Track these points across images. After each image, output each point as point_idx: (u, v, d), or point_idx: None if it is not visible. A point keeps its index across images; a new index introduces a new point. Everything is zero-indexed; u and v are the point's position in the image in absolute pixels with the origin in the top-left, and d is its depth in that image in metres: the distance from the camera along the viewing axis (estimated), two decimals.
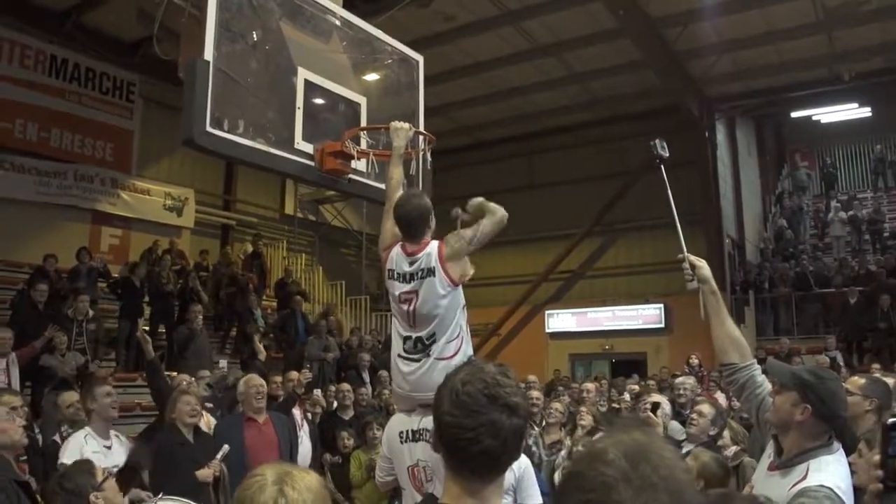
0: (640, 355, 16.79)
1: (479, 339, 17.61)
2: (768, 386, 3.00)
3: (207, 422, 6.18)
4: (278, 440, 5.92)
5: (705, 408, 4.99)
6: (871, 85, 17.33)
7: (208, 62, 4.32)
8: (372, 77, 5.84)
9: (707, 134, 17.41)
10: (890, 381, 3.93)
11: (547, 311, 18.74)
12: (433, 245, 3.80)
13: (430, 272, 3.74)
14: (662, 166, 3.89)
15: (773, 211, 21.29)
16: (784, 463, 2.67)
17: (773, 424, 2.81)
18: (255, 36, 4.99)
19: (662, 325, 17.32)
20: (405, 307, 3.82)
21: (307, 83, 5.05)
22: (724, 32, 14.95)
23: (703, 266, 3.21)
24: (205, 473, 5.21)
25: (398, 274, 3.83)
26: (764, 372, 3.04)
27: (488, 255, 19.67)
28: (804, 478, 2.54)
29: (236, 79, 4.65)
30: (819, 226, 20.29)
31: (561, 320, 18.64)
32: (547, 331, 18.55)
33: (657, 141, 3.94)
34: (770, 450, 2.84)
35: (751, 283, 16.95)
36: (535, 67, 16.20)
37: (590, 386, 8.41)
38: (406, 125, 4.51)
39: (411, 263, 3.80)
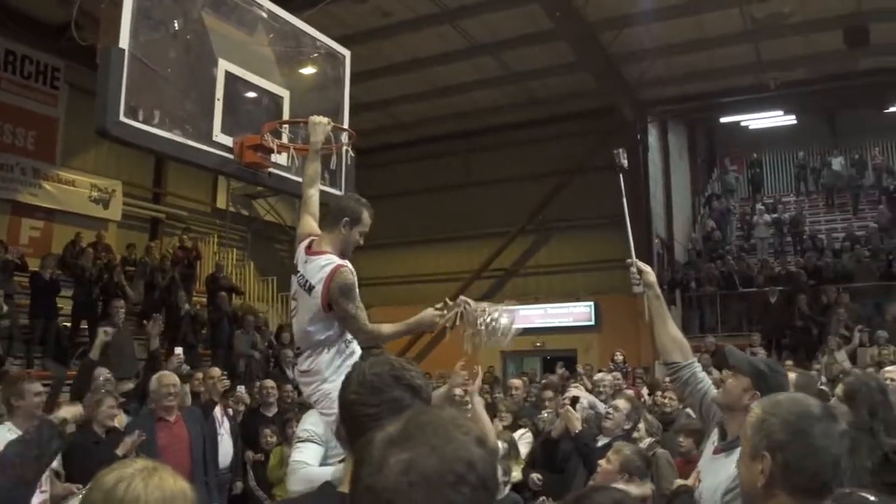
0: (570, 352, 16.98)
1: (412, 336, 17.61)
2: (709, 381, 3.20)
3: (120, 420, 6.06)
4: (189, 438, 5.83)
5: (621, 402, 5.13)
6: (795, 94, 17.95)
7: (123, 50, 4.23)
8: (296, 71, 5.77)
9: (639, 136, 17.76)
10: (791, 375, 4.07)
11: None
12: (332, 264, 3.58)
13: (311, 288, 3.57)
14: (622, 175, 3.98)
15: (702, 212, 21.80)
16: (728, 444, 2.82)
17: (720, 405, 2.97)
18: (175, 25, 4.90)
19: (593, 323, 17.60)
20: (292, 305, 3.79)
21: (228, 75, 4.98)
22: (658, 38, 15.25)
23: (649, 272, 3.40)
24: (125, 445, 5.15)
25: (295, 269, 3.75)
26: (718, 364, 3.17)
27: (421, 252, 19.79)
28: None
29: (154, 68, 4.56)
30: (745, 227, 20.85)
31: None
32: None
33: (620, 151, 4.09)
34: (715, 436, 3.00)
35: (678, 282, 17.33)
36: (472, 66, 16.27)
37: (517, 382, 8.50)
38: (324, 120, 4.45)
39: (305, 263, 3.67)
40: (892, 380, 5.64)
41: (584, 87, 16.41)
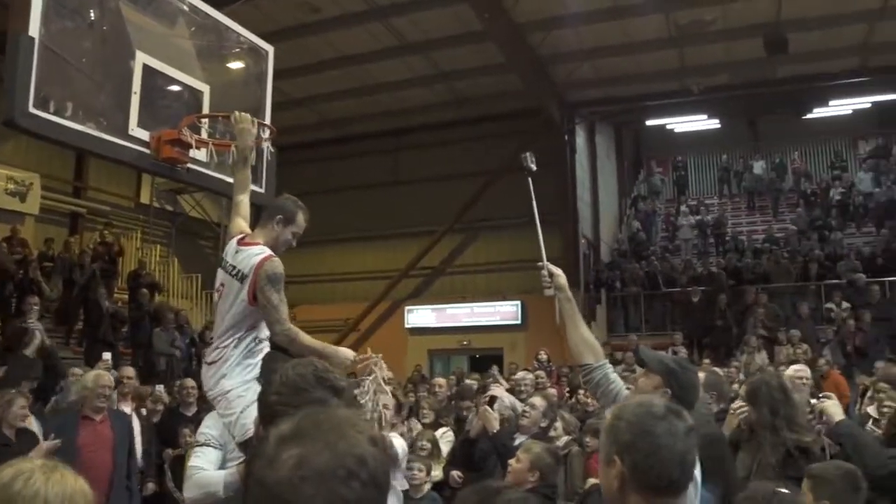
0: (497, 350, 17.11)
1: (339, 334, 17.55)
2: (620, 382, 3.24)
3: (29, 421, 5.89)
4: (114, 439, 5.72)
5: (537, 400, 5.20)
6: (718, 99, 18.46)
7: (33, 38, 4.11)
8: (218, 65, 5.69)
9: (567, 137, 18.02)
10: (700, 375, 4.19)
11: (407, 307, 18.84)
12: (262, 253, 3.59)
13: (243, 278, 3.55)
14: (530, 178, 4.02)
15: (629, 213, 22.18)
16: None
17: None
18: (91, 15, 4.79)
19: (519, 322, 17.72)
20: (216, 298, 3.75)
21: (146, 68, 4.87)
22: (586, 41, 15.52)
23: (560, 275, 3.40)
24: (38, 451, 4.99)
25: (223, 262, 3.72)
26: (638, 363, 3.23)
27: (348, 250, 19.67)
28: None
29: (67, 59, 4.45)
30: (670, 229, 21.30)
31: (420, 316, 18.79)
32: (406, 326, 18.65)
33: (528, 154, 4.11)
34: None
35: (603, 282, 17.62)
36: (402, 64, 16.27)
37: (441, 381, 8.54)
38: (249, 123, 4.36)
39: (236, 253, 3.65)
40: (800, 378, 5.86)
41: (513, 88, 16.53)
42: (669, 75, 17.22)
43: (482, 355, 17.06)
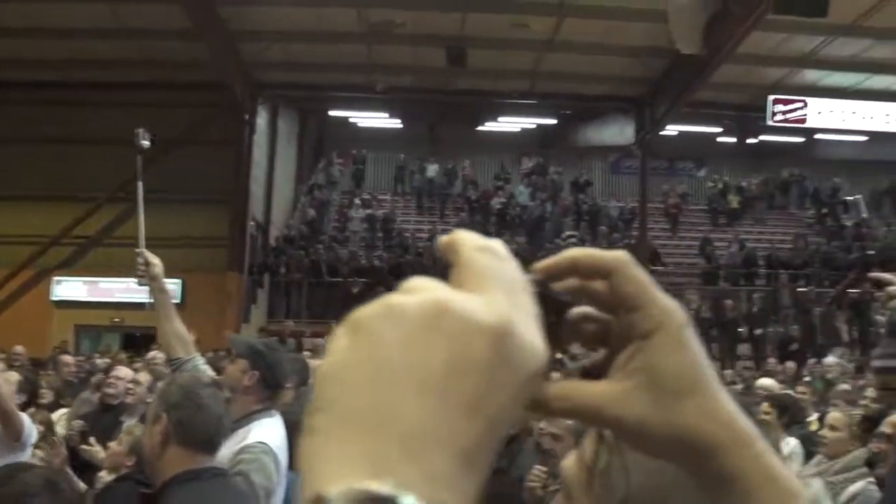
0: (151, 329, 16.27)
1: None
2: (211, 374, 3.23)
3: None
4: None
5: (142, 376, 5.29)
6: (401, 100, 19.33)
7: None
8: None
9: (248, 117, 17.69)
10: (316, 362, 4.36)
11: (54, 278, 17.28)
12: None
13: None
14: (140, 156, 3.88)
15: (303, 200, 22.35)
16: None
17: (226, 389, 3.01)
18: None
19: (179, 301, 17.00)
20: None
21: None
22: (278, 22, 15.40)
23: (157, 264, 3.38)
24: None
25: None
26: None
27: None
28: (245, 438, 2.86)
29: None
30: (342, 220, 21.79)
31: (69, 288, 17.36)
32: (52, 299, 17.11)
33: (141, 130, 3.97)
34: None
35: (268, 266, 17.64)
36: (82, 12, 14.82)
37: (68, 359, 8.06)
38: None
39: None
40: None
41: (200, 58, 15.81)
42: (356, 70, 17.68)
43: (136, 333, 16.18)
